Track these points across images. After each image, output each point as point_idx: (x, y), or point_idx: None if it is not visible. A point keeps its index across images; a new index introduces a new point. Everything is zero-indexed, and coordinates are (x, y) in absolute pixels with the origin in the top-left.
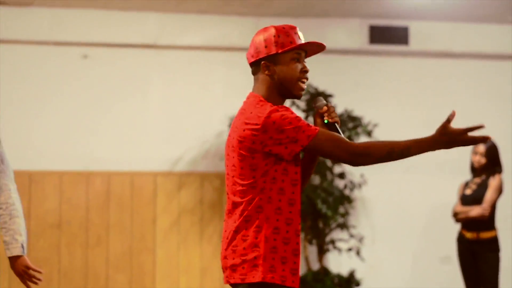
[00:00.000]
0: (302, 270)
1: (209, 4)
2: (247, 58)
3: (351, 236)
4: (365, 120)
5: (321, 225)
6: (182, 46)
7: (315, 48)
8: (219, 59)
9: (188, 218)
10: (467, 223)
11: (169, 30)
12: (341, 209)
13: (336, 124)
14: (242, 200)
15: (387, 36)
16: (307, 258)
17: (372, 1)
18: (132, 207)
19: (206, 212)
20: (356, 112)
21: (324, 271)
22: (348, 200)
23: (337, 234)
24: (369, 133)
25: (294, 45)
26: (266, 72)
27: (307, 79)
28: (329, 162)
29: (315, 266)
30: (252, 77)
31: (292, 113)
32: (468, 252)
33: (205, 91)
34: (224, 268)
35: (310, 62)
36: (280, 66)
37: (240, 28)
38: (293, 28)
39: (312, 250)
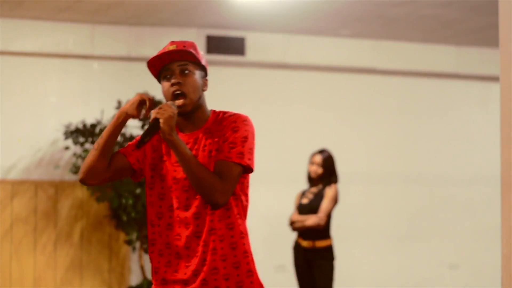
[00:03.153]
0: (137, 279)
1: (43, 10)
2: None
3: None
4: None
5: None
6: (15, 52)
7: (167, 58)
8: (53, 66)
9: (21, 227)
10: (303, 232)
11: (3, 35)
12: None
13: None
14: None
15: (223, 46)
16: (143, 267)
17: (209, 11)
18: None
19: (39, 221)
20: None
21: None
22: None
23: None
24: None
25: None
26: None
27: (176, 90)
28: None
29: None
30: (88, 84)
31: None
32: (304, 260)
33: (39, 98)
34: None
35: (148, 71)
36: None
37: (75, 35)
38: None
39: (148, 259)
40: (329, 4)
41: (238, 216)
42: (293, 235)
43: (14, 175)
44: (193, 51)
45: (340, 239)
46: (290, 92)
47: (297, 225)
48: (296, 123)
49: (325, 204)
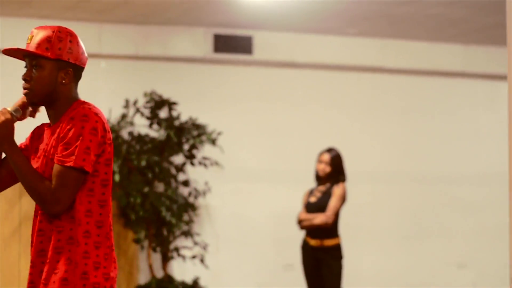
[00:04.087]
0: (146, 278)
1: (51, 9)
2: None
3: (195, 243)
4: (209, 128)
5: (165, 232)
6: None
7: (19, 52)
8: None
9: (30, 226)
10: (311, 231)
11: (10, 34)
12: (186, 217)
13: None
14: None
15: (231, 45)
16: (151, 266)
17: (216, 10)
18: None
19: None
20: (201, 120)
21: (169, 279)
22: (193, 207)
23: (181, 241)
24: (213, 141)
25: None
26: None
27: (24, 86)
28: (173, 170)
29: (159, 273)
30: (96, 83)
31: None
32: (312, 259)
33: None
34: None
35: (155, 70)
36: None
37: (82, 34)
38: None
39: (156, 258)
40: (336, 3)
41: (71, 219)
42: (302, 234)
43: None
44: (44, 44)
45: (348, 238)
46: (297, 91)
47: (305, 223)
48: (304, 122)
49: (333, 203)
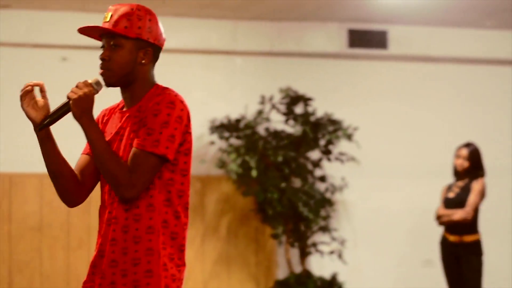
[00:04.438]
0: (284, 273)
1: (187, 8)
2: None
3: (333, 239)
4: (345, 124)
5: (302, 228)
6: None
7: (96, 31)
8: (197, 62)
9: None
10: (450, 226)
11: None
12: (323, 212)
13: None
14: None
15: (366, 40)
16: (289, 261)
17: (351, 5)
18: None
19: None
20: (336, 116)
21: (307, 274)
22: (330, 203)
23: (318, 237)
24: (349, 137)
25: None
26: None
27: (101, 66)
28: (310, 165)
29: (298, 269)
30: (231, 80)
31: None
32: (451, 255)
33: (183, 94)
34: None
35: (290, 66)
36: None
37: (218, 31)
38: None
39: (294, 253)
40: None
41: (150, 208)
42: (440, 230)
43: None
44: (123, 22)
45: (488, 235)
46: (433, 85)
47: (444, 219)
48: (440, 116)
49: (472, 198)
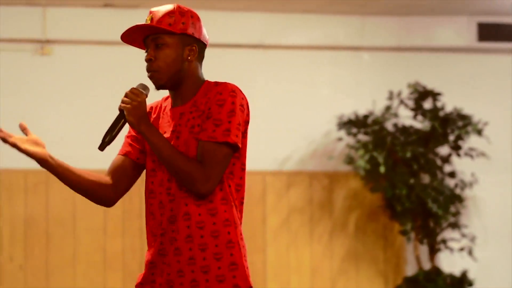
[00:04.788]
0: (413, 270)
1: (314, 4)
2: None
3: (463, 235)
4: (475, 119)
5: (431, 224)
6: (287, 46)
7: (141, 32)
8: (325, 58)
9: (298, 217)
10: None
11: (275, 30)
12: (452, 209)
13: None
14: None
15: (496, 33)
16: (418, 258)
17: None
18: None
19: (315, 212)
20: (465, 111)
21: (436, 271)
22: (459, 199)
23: (448, 233)
24: (479, 132)
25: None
26: None
27: (148, 68)
28: (439, 161)
29: (427, 265)
30: (359, 76)
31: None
32: None
33: (311, 90)
34: None
35: (418, 61)
36: None
37: (345, 27)
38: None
39: (423, 250)
40: None
41: (223, 201)
42: None
43: (289, 166)
44: (166, 20)
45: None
46: None
47: None
48: None
49: None
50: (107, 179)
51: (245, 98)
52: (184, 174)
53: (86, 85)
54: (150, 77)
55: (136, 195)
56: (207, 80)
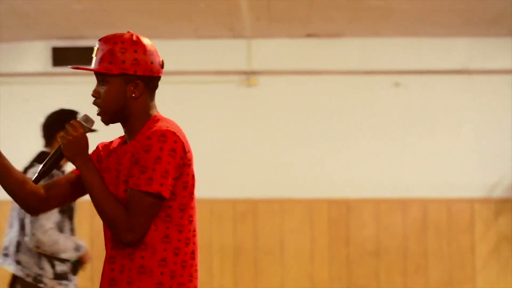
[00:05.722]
0: None
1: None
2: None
3: None
4: None
5: None
6: (493, 71)
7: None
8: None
9: (508, 245)
10: None
11: (480, 54)
12: None
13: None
14: None
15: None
16: None
17: None
18: (449, 235)
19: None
20: None
21: None
22: None
23: None
24: None
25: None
26: None
27: (93, 103)
28: None
29: None
30: None
31: None
32: None
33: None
34: None
35: None
36: None
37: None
38: None
39: None
40: None
41: (142, 247)
42: None
43: (498, 194)
44: (107, 58)
45: None
46: None
47: None
48: None
49: None
50: (41, 190)
51: (180, 140)
52: (108, 220)
53: (291, 113)
54: (98, 114)
55: None
56: (153, 116)
